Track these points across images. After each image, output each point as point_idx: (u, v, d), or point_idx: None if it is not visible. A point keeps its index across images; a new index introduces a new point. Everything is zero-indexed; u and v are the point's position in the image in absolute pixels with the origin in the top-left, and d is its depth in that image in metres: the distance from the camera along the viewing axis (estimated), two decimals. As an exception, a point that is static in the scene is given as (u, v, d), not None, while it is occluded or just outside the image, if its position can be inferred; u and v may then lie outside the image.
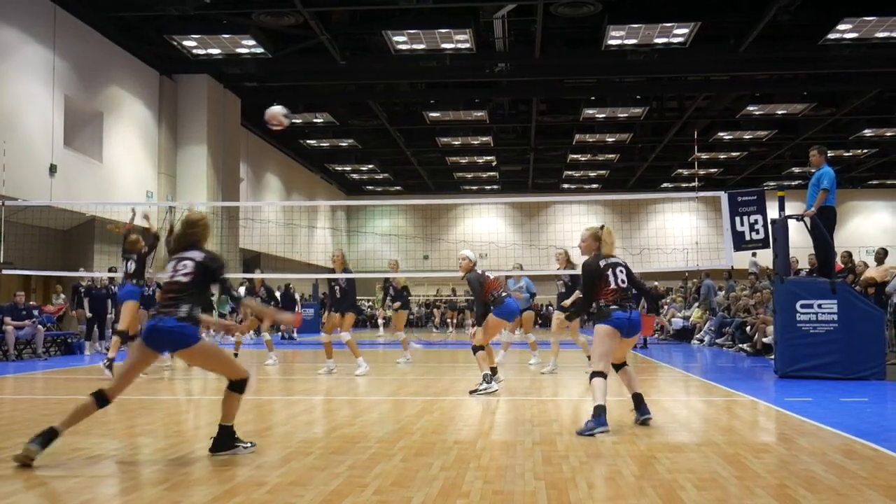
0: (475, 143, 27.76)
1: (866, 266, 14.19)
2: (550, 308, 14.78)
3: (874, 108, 24.39)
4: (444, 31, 17.27)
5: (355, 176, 35.10)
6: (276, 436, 5.96)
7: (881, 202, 38.51)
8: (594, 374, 6.18)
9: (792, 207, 11.76)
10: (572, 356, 11.83)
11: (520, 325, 12.85)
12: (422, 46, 18.20)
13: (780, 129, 26.65)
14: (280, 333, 22.32)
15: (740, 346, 15.77)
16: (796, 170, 32.99)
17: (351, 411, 7.50)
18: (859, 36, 17.55)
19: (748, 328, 15.77)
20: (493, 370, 8.85)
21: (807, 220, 10.53)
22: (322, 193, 34.68)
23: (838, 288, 10.09)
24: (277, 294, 20.65)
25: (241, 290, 15.17)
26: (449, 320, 31.42)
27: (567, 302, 11.15)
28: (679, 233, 28.57)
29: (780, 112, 24.35)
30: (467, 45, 18.05)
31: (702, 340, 19.00)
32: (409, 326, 30.32)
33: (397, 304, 14.13)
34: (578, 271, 11.43)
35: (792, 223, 10.81)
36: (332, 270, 11.53)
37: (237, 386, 5.18)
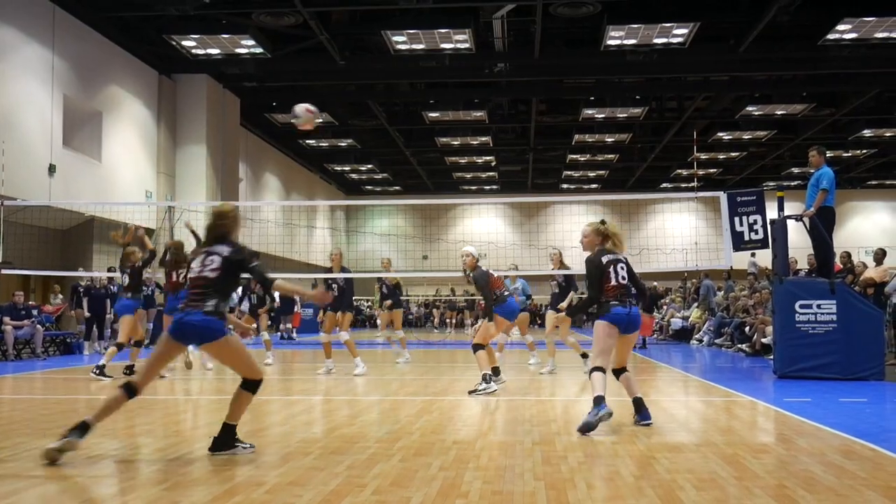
0: (474, 143, 27.76)
1: (865, 266, 14.21)
2: (544, 308, 14.79)
3: (873, 109, 24.39)
4: (443, 31, 17.27)
5: (354, 176, 35.10)
6: (275, 436, 5.96)
7: (880, 202, 38.52)
8: (593, 370, 6.26)
9: (791, 208, 11.76)
10: (571, 356, 11.82)
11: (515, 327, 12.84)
12: (421, 46, 18.20)
13: (779, 130, 26.66)
14: (279, 333, 22.33)
15: (739, 346, 15.78)
16: (795, 170, 33.00)
17: (350, 411, 7.50)
18: (859, 36, 17.55)
19: (747, 328, 15.78)
20: (496, 370, 8.83)
21: (806, 220, 10.54)
22: (321, 193, 34.68)
23: (837, 288, 10.09)
24: (276, 294, 20.66)
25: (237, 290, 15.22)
26: (448, 320, 31.43)
27: (563, 304, 11.16)
28: (678, 233, 28.54)
29: (779, 112, 24.35)
30: (467, 46, 18.05)
31: (701, 341, 19.01)
32: (409, 326, 30.36)
33: (388, 301, 14.05)
34: (572, 272, 11.52)
35: (791, 223, 10.81)
36: (330, 269, 11.49)
37: (251, 385, 5.22)
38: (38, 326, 14.75)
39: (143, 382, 5.15)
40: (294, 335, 22.44)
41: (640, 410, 6.30)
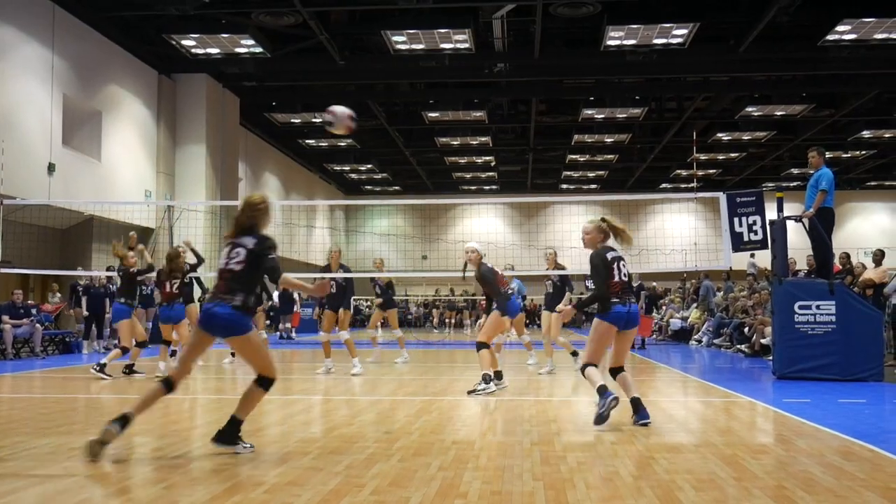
0: (474, 143, 27.76)
1: (864, 267, 14.22)
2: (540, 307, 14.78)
3: (873, 110, 24.40)
4: (443, 31, 17.27)
5: (354, 176, 35.09)
6: (273, 435, 5.96)
7: (879, 203, 38.54)
8: (586, 366, 6.40)
9: (790, 208, 11.76)
10: (569, 356, 11.81)
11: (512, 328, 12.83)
12: (421, 46, 18.20)
13: (778, 130, 26.66)
14: (278, 333, 22.33)
15: (738, 346, 15.78)
16: (795, 171, 33.01)
17: (349, 411, 7.50)
18: (858, 37, 17.56)
19: (746, 329, 15.78)
20: (498, 374, 8.80)
21: (805, 221, 10.54)
22: (321, 193, 34.67)
23: (836, 289, 10.09)
24: (275, 293, 20.66)
25: None
26: (447, 320, 31.43)
27: (560, 306, 11.17)
28: (678, 233, 28.63)
29: (778, 113, 24.36)
30: (466, 46, 18.05)
31: (700, 341, 19.01)
32: (408, 326, 30.36)
33: (379, 300, 13.95)
34: (567, 272, 11.54)
35: (790, 224, 10.81)
36: (327, 266, 11.40)
37: (265, 383, 5.27)
38: (37, 325, 14.75)
39: (180, 376, 5.23)
40: (293, 335, 22.43)
41: (638, 410, 6.31)
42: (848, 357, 9.87)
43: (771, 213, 10.97)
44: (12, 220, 14.39)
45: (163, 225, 19.32)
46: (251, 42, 17.95)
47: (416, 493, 4.09)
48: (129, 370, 10.71)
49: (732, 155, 30.70)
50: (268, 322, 20.28)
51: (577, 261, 11.48)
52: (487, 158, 31.33)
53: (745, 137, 27.55)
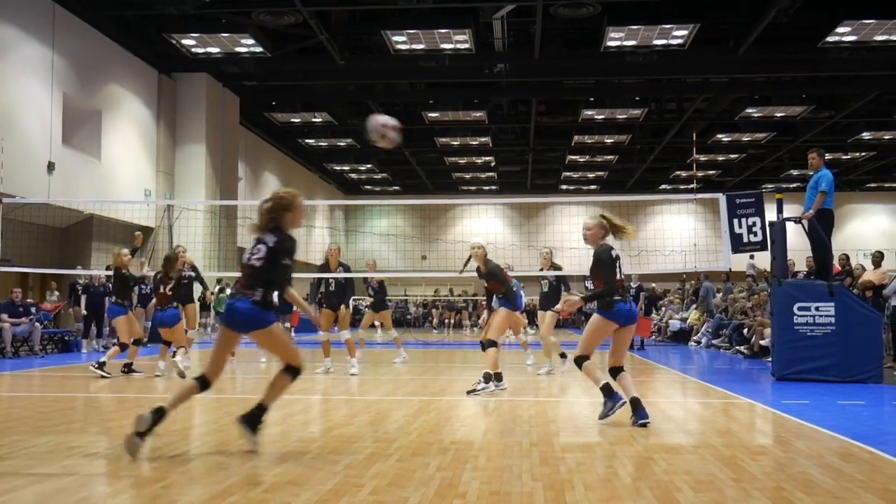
0: (474, 143, 27.77)
1: (864, 269, 14.22)
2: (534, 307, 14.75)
3: (873, 111, 24.41)
4: (443, 31, 17.27)
5: (354, 175, 35.09)
6: (272, 435, 5.96)
7: (879, 205, 38.56)
8: (581, 360, 6.47)
9: (790, 210, 11.77)
10: (557, 356, 11.79)
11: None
12: (421, 46, 18.20)
13: (778, 132, 26.67)
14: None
15: (737, 348, 15.79)
16: (794, 172, 33.02)
17: (348, 411, 7.50)
18: (858, 39, 17.58)
19: (745, 330, 15.78)
20: (498, 375, 8.79)
21: (805, 222, 10.53)
22: (320, 193, 34.67)
23: (836, 291, 10.09)
24: (275, 294, 20.61)
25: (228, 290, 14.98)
26: (446, 321, 31.42)
27: (559, 306, 11.16)
28: (677, 235, 28.64)
29: (778, 114, 24.37)
30: (467, 46, 18.06)
31: (699, 342, 19.01)
32: (407, 326, 30.35)
33: (369, 300, 13.85)
34: (563, 273, 11.53)
35: (790, 226, 10.81)
36: (326, 265, 11.31)
37: (293, 371, 5.34)
38: (37, 324, 14.74)
39: (213, 374, 5.26)
40: (292, 334, 22.40)
41: (638, 410, 6.31)
42: (847, 359, 9.86)
43: (770, 215, 10.96)
44: (12, 218, 14.38)
45: (162, 224, 19.33)
46: (251, 41, 17.95)
47: (414, 494, 4.09)
48: (128, 369, 10.72)
49: (732, 156, 30.71)
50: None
51: (577, 262, 11.49)
52: (487, 159, 31.33)
53: (745, 139, 27.56)
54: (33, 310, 15.09)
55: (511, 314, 8.92)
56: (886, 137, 27.42)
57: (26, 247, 15.35)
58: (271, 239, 5.27)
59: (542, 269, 11.62)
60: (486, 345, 8.66)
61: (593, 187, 37.49)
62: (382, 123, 6.57)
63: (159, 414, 4.99)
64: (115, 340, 11.10)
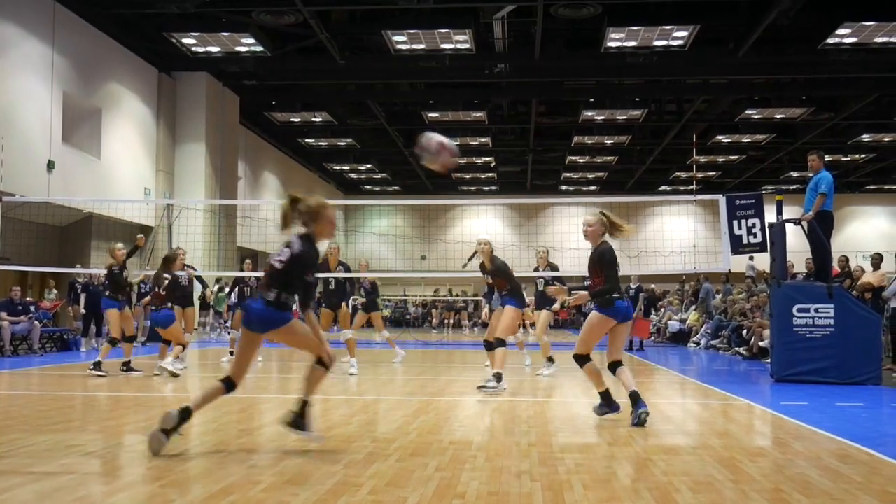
0: (474, 143, 27.76)
1: (863, 271, 14.23)
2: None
3: (873, 113, 24.40)
4: (443, 31, 17.27)
5: (353, 175, 35.09)
6: (271, 434, 5.96)
7: (879, 207, 38.56)
8: (582, 359, 6.54)
9: (790, 211, 11.79)
10: (567, 357, 11.78)
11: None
12: (421, 46, 18.21)
13: (778, 133, 26.67)
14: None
15: (736, 349, 15.79)
16: (794, 174, 33.02)
17: (347, 411, 7.49)
18: (858, 41, 17.58)
19: (744, 332, 15.79)
20: (498, 375, 8.79)
21: (804, 224, 10.55)
22: (320, 192, 34.53)
23: (835, 292, 10.10)
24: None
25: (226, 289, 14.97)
26: (446, 321, 31.41)
27: (557, 306, 11.16)
28: (677, 236, 28.67)
29: (778, 116, 24.37)
30: (467, 46, 18.06)
31: (698, 343, 19.01)
32: (407, 326, 30.34)
33: (362, 300, 13.79)
34: (560, 273, 11.54)
35: (789, 227, 10.82)
36: (325, 264, 11.24)
37: (324, 363, 5.40)
38: (36, 323, 14.74)
39: (238, 374, 5.26)
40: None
41: (637, 403, 6.37)
42: (846, 360, 9.87)
43: (770, 216, 10.97)
44: (11, 216, 14.38)
45: (162, 223, 19.32)
46: (251, 41, 17.95)
47: (413, 494, 4.09)
48: (127, 368, 10.71)
49: (732, 157, 30.71)
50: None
51: (576, 262, 11.49)
52: (487, 159, 31.32)
53: (745, 140, 27.56)
54: (32, 308, 15.07)
55: (519, 312, 8.96)
56: (886, 139, 27.41)
57: (26, 245, 15.35)
58: (297, 245, 5.28)
59: (537, 269, 11.63)
60: (496, 344, 8.68)
61: (593, 188, 37.49)
62: (440, 142, 5.99)
63: (186, 413, 5.02)
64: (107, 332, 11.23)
